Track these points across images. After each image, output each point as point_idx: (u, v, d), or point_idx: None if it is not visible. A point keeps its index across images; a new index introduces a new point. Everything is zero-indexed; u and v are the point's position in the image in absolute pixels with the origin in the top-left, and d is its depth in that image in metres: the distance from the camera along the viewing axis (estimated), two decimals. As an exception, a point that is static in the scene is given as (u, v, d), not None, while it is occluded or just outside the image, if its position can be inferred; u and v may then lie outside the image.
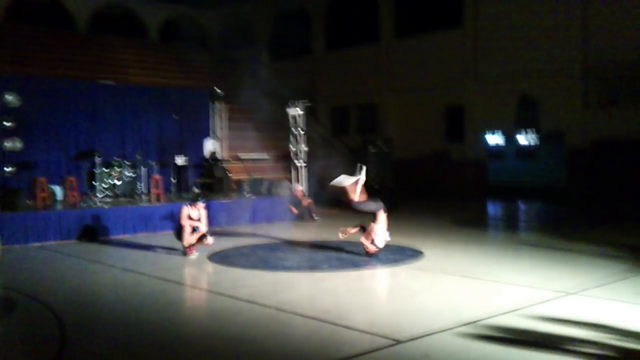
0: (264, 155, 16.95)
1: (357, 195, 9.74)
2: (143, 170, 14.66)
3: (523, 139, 27.92)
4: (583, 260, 9.27)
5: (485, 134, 21.16)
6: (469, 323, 5.96)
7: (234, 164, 16.83)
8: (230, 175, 16.41)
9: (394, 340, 5.48)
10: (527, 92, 18.98)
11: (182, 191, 15.38)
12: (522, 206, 18.91)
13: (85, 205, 13.03)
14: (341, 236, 9.97)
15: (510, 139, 28.11)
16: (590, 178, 17.52)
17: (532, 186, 22.18)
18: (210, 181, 15.96)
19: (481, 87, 20.12)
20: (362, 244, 9.74)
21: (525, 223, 15.98)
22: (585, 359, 4.97)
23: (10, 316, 6.86)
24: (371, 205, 9.83)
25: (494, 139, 22.14)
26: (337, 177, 9.86)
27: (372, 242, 9.62)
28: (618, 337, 5.54)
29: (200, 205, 10.20)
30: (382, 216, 9.71)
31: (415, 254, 10.01)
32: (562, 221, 15.36)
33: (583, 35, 17.90)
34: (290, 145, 16.49)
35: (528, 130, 22.67)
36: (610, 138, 17.11)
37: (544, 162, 25.49)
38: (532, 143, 28.35)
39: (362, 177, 9.79)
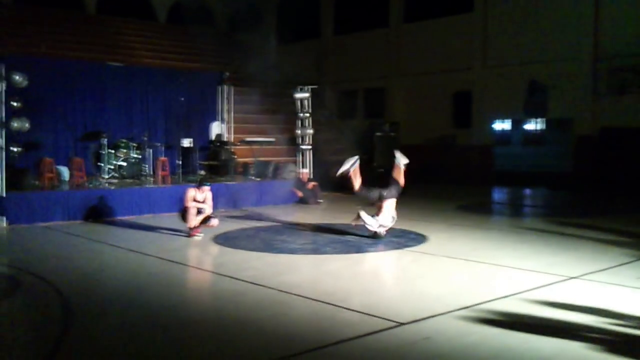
0: (270, 139, 16.96)
1: (357, 183, 9.87)
2: (149, 151, 14.71)
3: (530, 125, 27.82)
4: (587, 245, 9.28)
5: (493, 120, 21.06)
6: (470, 306, 5.99)
7: (239, 146, 16.84)
8: (235, 157, 16.43)
9: (395, 322, 5.51)
10: (536, 78, 18.83)
11: (188, 173, 15.42)
12: (527, 192, 18.87)
13: (91, 186, 13.10)
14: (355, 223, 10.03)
15: (517, 124, 28.04)
16: (597, 165, 17.44)
17: (539, 172, 22.13)
18: (216, 163, 16.00)
19: (490, 72, 19.98)
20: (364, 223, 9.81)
21: (530, 209, 15.96)
22: (586, 343, 4.98)
23: (16, 295, 6.93)
24: (373, 194, 9.89)
25: (501, 124, 22.06)
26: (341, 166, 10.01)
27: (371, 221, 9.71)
28: (619, 321, 5.55)
29: (206, 187, 10.25)
30: (386, 204, 9.78)
31: (419, 237, 10.03)
32: (567, 207, 15.33)
33: (594, 22, 17.72)
34: (297, 129, 16.47)
35: (536, 116, 22.58)
36: (619, 126, 17.00)
37: (551, 148, 25.43)
38: (540, 129, 28.25)
39: (354, 165, 9.94)
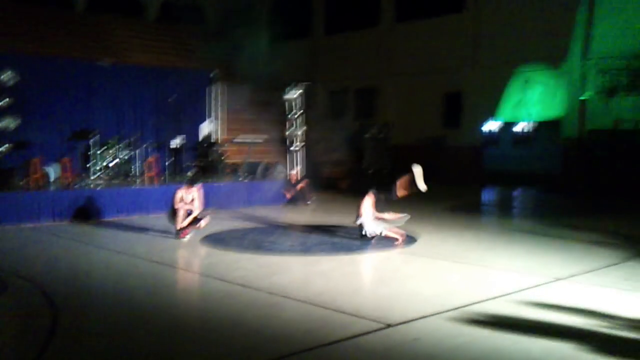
0: (259, 138, 16.90)
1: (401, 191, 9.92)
2: (138, 151, 14.62)
3: (520, 127, 27.93)
4: (575, 247, 9.32)
5: (483, 120, 21.11)
6: (459, 307, 5.99)
7: (229, 147, 16.78)
8: (225, 158, 16.37)
9: (384, 324, 5.51)
10: (525, 80, 18.91)
11: (177, 173, 15.34)
12: (517, 193, 18.94)
13: (79, 186, 12.99)
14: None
15: (507, 126, 28.14)
16: (585, 166, 17.54)
17: (528, 173, 22.21)
18: (205, 164, 15.92)
19: (480, 73, 20.05)
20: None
21: (519, 210, 16.02)
22: (574, 344, 4.99)
23: (2, 297, 6.84)
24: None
25: (491, 125, 22.11)
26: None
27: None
28: (607, 322, 5.57)
29: (194, 188, 10.20)
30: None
31: (409, 239, 10.01)
32: (556, 209, 15.40)
33: (584, 23, 17.82)
34: (287, 129, 16.43)
35: (525, 118, 22.63)
36: (607, 127, 17.11)
37: (539, 149, 25.53)
38: (529, 130, 28.37)
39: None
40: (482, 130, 21.45)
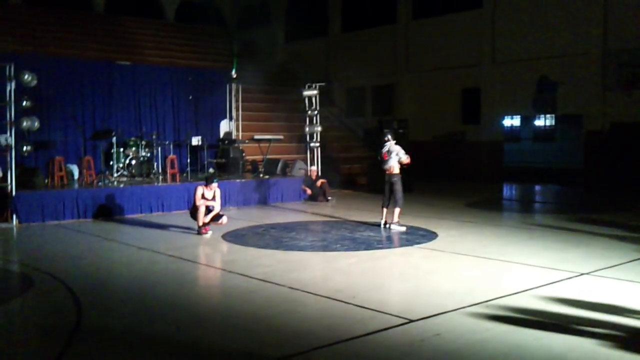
0: (278, 136, 16.96)
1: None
2: (158, 150, 14.76)
3: (540, 121, 27.73)
4: (597, 241, 9.22)
5: (502, 116, 20.94)
6: (481, 303, 5.98)
7: (248, 144, 16.86)
8: (244, 155, 16.45)
9: (405, 319, 5.51)
10: (546, 74, 18.73)
11: (197, 171, 15.46)
12: (537, 188, 18.79)
13: (101, 184, 13.15)
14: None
15: (527, 121, 27.94)
16: (607, 161, 17.33)
17: (549, 168, 22.02)
18: (225, 161, 16.03)
19: (499, 68, 19.90)
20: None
21: (540, 205, 15.89)
22: (597, 340, 4.96)
23: (28, 293, 6.99)
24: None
25: (511, 120, 21.94)
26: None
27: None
28: (630, 318, 5.52)
29: (214, 185, 10.27)
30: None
31: (429, 234, 10.01)
32: (578, 203, 15.25)
33: (603, 17, 17.59)
34: (306, 126, 16.46)
35: (546, 112, 22.46)
36: (629, 121, 16.90)
37: (561, 144, 25.33)
38: (549, 125, 28.16)
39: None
40: (502, 126, 21.29)
